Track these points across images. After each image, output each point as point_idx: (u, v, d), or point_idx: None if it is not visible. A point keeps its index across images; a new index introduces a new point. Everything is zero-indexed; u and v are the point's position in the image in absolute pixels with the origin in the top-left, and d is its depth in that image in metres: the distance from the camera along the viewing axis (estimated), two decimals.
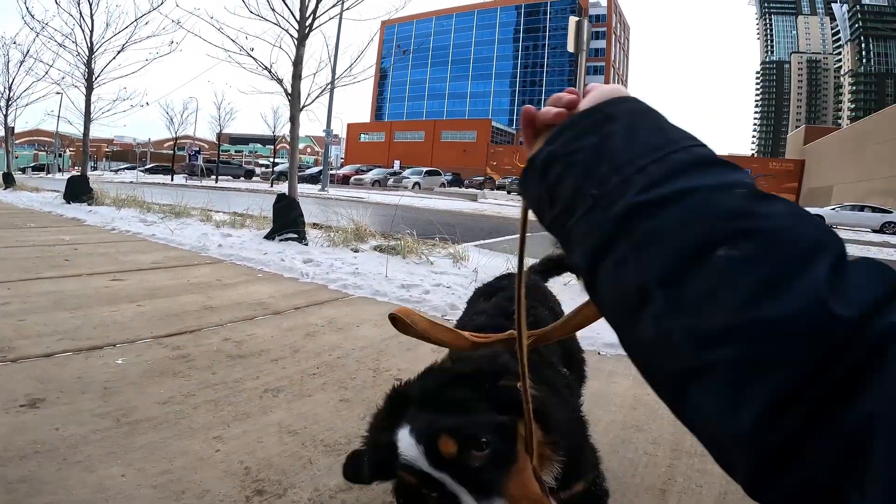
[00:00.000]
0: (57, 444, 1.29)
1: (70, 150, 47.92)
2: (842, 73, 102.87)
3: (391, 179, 30.91)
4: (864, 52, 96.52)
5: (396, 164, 44.89)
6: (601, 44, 69.36)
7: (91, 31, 8.34)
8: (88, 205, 7.91)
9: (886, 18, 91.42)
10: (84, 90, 8.67)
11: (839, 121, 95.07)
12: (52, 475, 1.16)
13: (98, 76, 8.60)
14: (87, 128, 9.00)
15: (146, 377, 1.77)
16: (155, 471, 1.22)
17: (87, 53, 8.43)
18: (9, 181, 13.37)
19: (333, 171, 30.58)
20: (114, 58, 8.57)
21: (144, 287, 3.00)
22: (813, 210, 24.13)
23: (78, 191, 8.36)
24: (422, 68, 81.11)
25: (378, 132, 66.72)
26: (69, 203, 8.17)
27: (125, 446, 1.32)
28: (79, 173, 8.91)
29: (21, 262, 3.52)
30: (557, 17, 69.95)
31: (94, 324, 2.28)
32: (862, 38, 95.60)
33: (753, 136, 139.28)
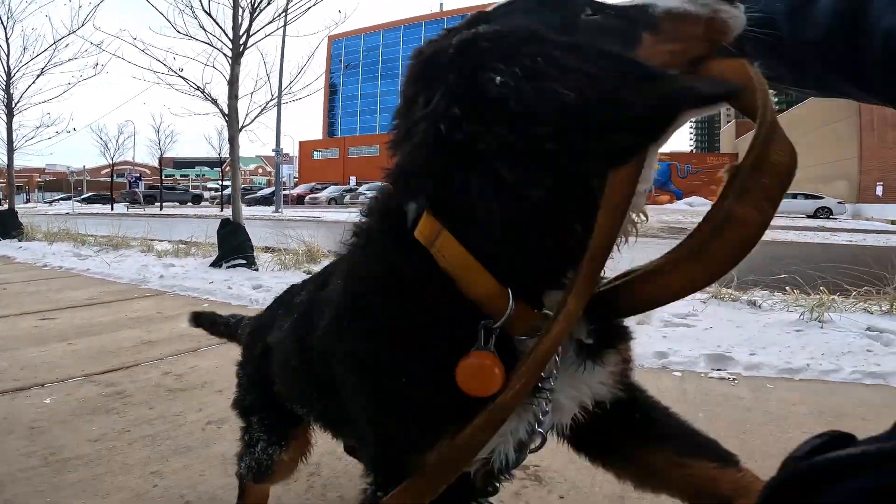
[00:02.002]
0: None
1: (0, 181, 44.69)
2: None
3: (347, 196, 30.55)
4: None
5: (352, 180, 44.50)
6: None
7: (7, 56, 8.01)
8: (19, 240, 7.48)
9: None
10: (4, 116, 8.22)
11: None
12: None
13: (18, 102, 8.21)
14: (10, 157, 8.51)
15: (76, 416, 1.72)
16: None
17: (5, 78, 8.04)
18: None
19: (287, 192, 29.98)
20: (33, 82, 8.21)
21: (77, 325, 2.87)
22: None
23: (7, 226, 7.88)
24: (372, 82, 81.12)
25: (332, 149, 66.05)
26: None
27: (54, 484, 1.29)
28: (6, 207, 8.38)
29: None
30: None
31: (21, 365, 2.20)
32: None
33: (690, 133, 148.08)
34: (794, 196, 23.81)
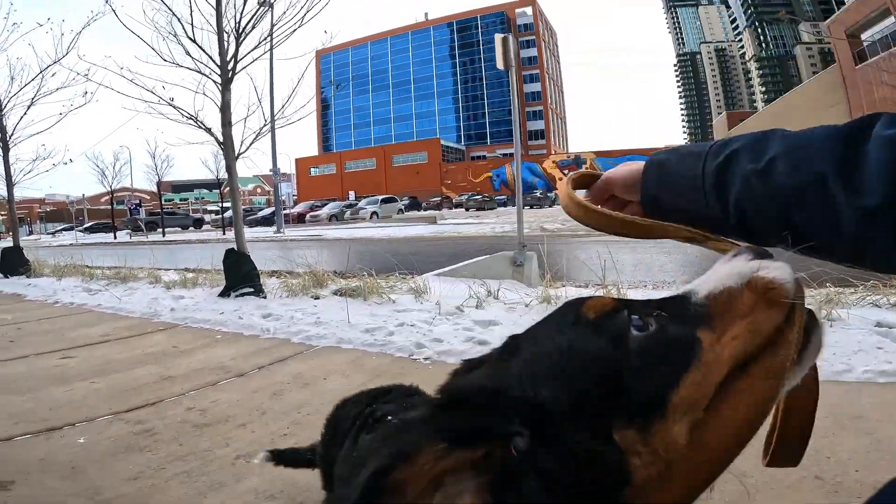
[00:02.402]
0: None
1: (1, 214, 44.94)
2: (746, 58, 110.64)
3: (348, 212, 30.68)
4: (762, 37, 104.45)
5: (351, 195, 44.76)
6: (533, 52, 71.80)
7: None
8: (27, 277, 7.54)
9: (773, 2, 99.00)
10: (0, 150, 8.12)
11: (755, 104, 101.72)
12: None
13: (12, 134, 8.11)
14: (10, 193, 8.38)
15: (111, 454, 1.76)
16: None
17: None
18: None
19: (287, 211, 30.08)
20: (25, 113, 8.10)
21: (96, 363, 2.92)
22: None
23: (13, 263, 7.95)
24: (363, 94, 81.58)
25: (328, 164, 66.42)
26: (6, 277, 7.76)
27: None
28: (10, 244, 8.41)
29: None
30: (489, 31, 72.07)
31: (49, 405, 2.24)
32: (757, 23, 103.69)
33: (683, 126, 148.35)
34: None
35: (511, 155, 60.20)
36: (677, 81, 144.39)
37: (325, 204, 34.81)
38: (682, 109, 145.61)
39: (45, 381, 2.59)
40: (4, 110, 8.02)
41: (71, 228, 38.84)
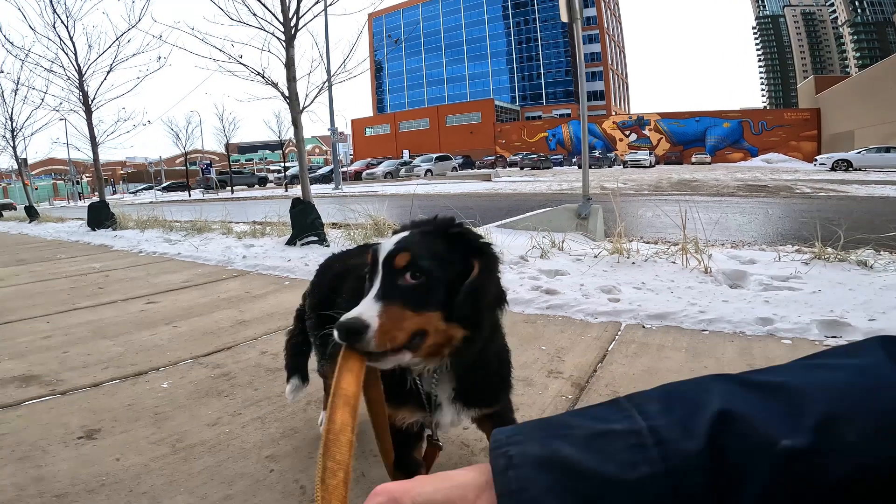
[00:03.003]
0: (121, 476, 1.30)
1: (87, 176, 49.07)
2: (839, 23, 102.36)
3: (403, 170, 30.90)
4: (857, 3, 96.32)
5: (406, 153, 44.83)
6: (591, 11, 67.10)
7: (75, 54, 8.32)
8: (113, 230, 8.10)
9: None
10: (84, 114, 8.69)
11: (847, 69, 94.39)
12: None
13: (94, 99, 8.62)
14: (95, 153, 9.06)
15: (192, 399, 1.78)
16: (217, 497, 1.21)
17: (78, 77, 8.43)
18: (32, 214, 13.69)
19: (344, 169, 30.65)
20: (105, 78, 8.60)
21: (178, 307, 3.03)
22: (838, 155, 24.04)
23: (100, 217, 8.56)
24: (416, 56, 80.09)
25: (383, 125, 66.54)
26: (94, 230, 8.38)
27: (185, 473, 1.32)
28: (98, 200, 9.08)
29: (57, 294, 3.63)
30: None
31: (136, 349, 2.32)
32: None
33: (762, 90, 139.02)
34: (887, 150, 23.01)
35: (568, 115, 57.53)
36: (756, 44, 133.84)
37: (381, 162, 35.14)
38: (761, 72, 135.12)
39: (132, 326, 2.69)
40: (85, 76, 8.48)
41: (150, 188, 41.74)
